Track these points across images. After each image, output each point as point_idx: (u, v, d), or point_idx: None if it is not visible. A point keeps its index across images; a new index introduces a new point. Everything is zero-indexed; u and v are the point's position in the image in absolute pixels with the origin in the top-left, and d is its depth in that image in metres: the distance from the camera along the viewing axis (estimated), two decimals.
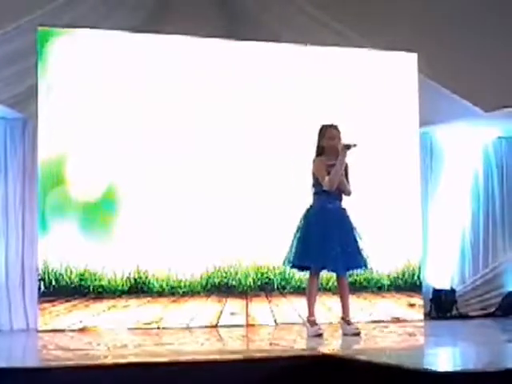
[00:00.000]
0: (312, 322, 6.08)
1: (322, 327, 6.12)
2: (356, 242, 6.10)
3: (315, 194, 6.17)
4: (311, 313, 6.11)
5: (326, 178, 6.03)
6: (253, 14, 8.16)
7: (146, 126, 7.53)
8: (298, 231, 6.13)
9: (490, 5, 8.56)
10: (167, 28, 7.77)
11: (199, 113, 7.64)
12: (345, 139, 6.08)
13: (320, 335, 5.95)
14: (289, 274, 7.66)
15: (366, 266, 6.14)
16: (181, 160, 7.56)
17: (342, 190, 6.13)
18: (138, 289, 7.42)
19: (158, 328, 7.29)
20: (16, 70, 7.41)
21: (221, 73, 7.76)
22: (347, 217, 6.16)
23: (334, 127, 6.17)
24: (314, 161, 6.16)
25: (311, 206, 6.17)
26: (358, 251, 6.09)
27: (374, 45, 8.14)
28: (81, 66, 7.44)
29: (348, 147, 5.97)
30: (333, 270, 6.15)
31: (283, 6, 8.09)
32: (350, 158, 6.08)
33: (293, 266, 6.22)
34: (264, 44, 7.92)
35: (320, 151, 6.19)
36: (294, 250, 6.09)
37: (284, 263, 6.20)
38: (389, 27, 8.11)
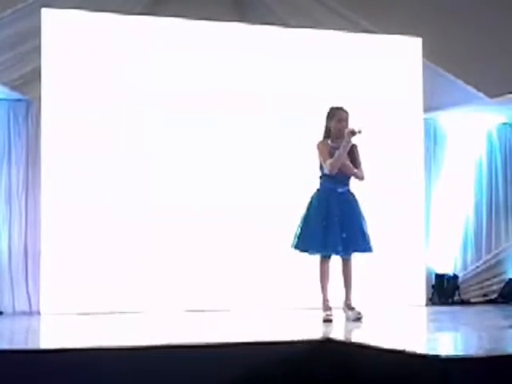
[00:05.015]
0: (325, 307, 6.01)
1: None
2: (361, 225, 6.05)
3: (320, 177, 6.14)
4: (325, 297, 6.05)
5: (328, 162, 5.98)
6: None
7: (149, 110, 7.51)
8: (303, 214, 6.09)
9: None
10: (172, 11, 7.72)
11: (203, 96, 7.62)
12: (351, 124, 6.02)
13: (330, 321, 5.86)
14: None
15: (369, 250, 6.09)
16: (187, 152, 7.58)
17: (347, 175, 6.09)
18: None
19: (164, 311, 7.28)
20: (20, 52, 7.39)
21: (227, 57, 7.72)
22: (353, 201, 6.10)
23: (342, 110, 6.11)
24: (318, 144, 6.12)
25: (317, 190, 6.14)
26: (363, 235, 6.04)
27: (378, 29, 8.10)
28: (85, 49, 7.40)
29: (353, 133, 5.92)
30: (334, 253, 6.04)
31: None
32: (356, 142, 6.07)
33: (300, 250, 6.09)
34: (270, 28, 7.86)
35: (327, 133, 6.14)
36: (296, 232, 6.07)
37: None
38: (394, 11, 8.07)
